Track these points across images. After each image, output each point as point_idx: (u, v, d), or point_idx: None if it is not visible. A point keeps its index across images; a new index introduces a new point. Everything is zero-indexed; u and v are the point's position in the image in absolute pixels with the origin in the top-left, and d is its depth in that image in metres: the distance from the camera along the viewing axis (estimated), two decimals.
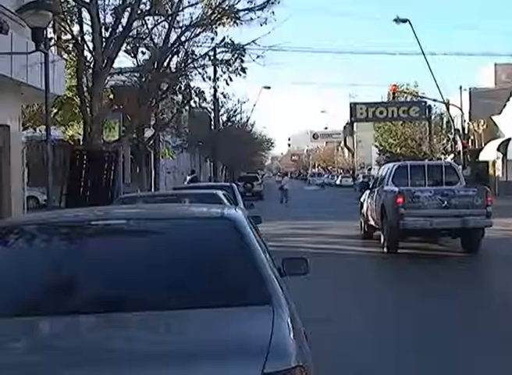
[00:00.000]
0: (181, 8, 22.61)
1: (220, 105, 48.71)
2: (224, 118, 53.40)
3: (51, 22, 15.95)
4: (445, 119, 54.17)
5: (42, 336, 3.89)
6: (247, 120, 62.03)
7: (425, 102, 52.33)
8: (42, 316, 3.89)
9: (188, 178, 36.43)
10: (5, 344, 3.60)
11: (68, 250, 4.48)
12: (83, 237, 4.69)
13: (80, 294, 4.11)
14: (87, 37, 19.87)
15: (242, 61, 22.56)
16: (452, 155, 46.70)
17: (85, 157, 18.12)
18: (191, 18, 22.81)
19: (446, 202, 16.26)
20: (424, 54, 41.27)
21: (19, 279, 4.25)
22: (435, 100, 48.41)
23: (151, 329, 3.84)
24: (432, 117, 53.67)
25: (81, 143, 22.23)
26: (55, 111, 25.81)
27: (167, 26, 23.55)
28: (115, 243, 4.64)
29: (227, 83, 23.89)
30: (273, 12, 21.82)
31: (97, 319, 3.86)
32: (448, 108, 46.42)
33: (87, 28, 19.79)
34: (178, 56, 24.38)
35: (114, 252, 4.49)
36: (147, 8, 21.25)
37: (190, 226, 4.81)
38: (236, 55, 22.91)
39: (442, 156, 50.29)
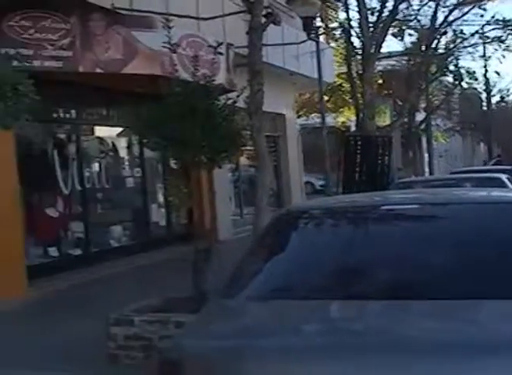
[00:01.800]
0: None
1: (492, 84, 46.78)
2: (497, 98, 51.20)
3: (319, 10, 16.27)
4: None
5: (331, 319, 3.90)
6: None
7: None
8: (332, 299, 3.86)
9: (492, 162, 35.87)
10: (297, 325, 3.65)
11: (359, 235, 4.40)
12: (374, 222, 4.55)
13: (370, 280, 3.98)
14: (354, 24, 20.03)
15: None
16: None
17: (359, 142, 18.28)
18: None
19: None
20: None
21: (311, 263, 4.25)
22: None
23: (445, 317, 3.58)
24: None
25: (353, 129, 22.43)
26: (327, 98, 26.33)
27: (433, 6, 23.07)
28: (410, 228, 4.43)
29: (500, 62, 22.90)
30: None
31: (385, 305, 3.71)
32: None
33: (352, 14, 19.96)
34: (446, 36, 23.81)
35: (407, 238, 4.28)
36: None
37: (489, 210, 4.44)
38: (507, 32, 21.93)
39: None
